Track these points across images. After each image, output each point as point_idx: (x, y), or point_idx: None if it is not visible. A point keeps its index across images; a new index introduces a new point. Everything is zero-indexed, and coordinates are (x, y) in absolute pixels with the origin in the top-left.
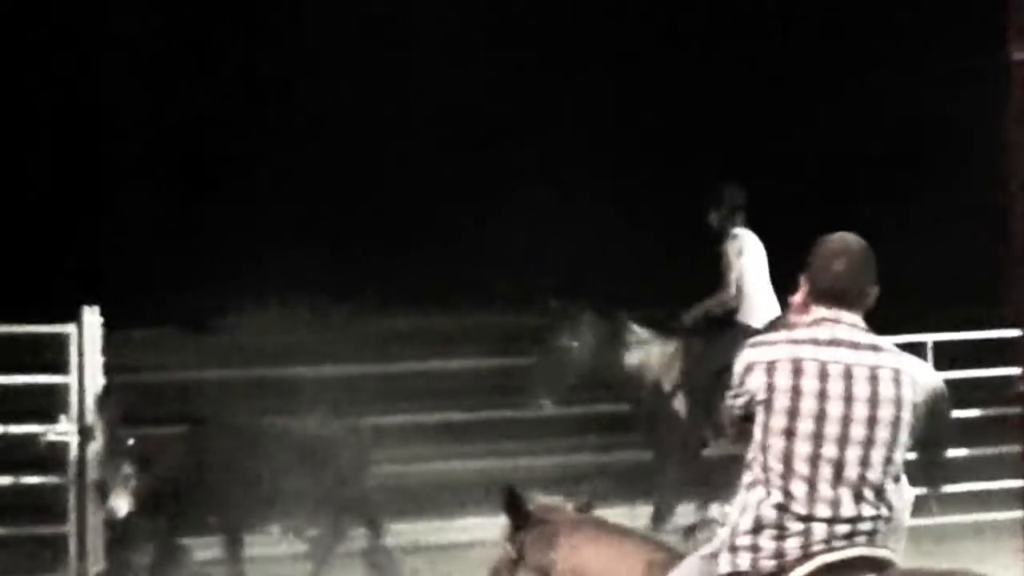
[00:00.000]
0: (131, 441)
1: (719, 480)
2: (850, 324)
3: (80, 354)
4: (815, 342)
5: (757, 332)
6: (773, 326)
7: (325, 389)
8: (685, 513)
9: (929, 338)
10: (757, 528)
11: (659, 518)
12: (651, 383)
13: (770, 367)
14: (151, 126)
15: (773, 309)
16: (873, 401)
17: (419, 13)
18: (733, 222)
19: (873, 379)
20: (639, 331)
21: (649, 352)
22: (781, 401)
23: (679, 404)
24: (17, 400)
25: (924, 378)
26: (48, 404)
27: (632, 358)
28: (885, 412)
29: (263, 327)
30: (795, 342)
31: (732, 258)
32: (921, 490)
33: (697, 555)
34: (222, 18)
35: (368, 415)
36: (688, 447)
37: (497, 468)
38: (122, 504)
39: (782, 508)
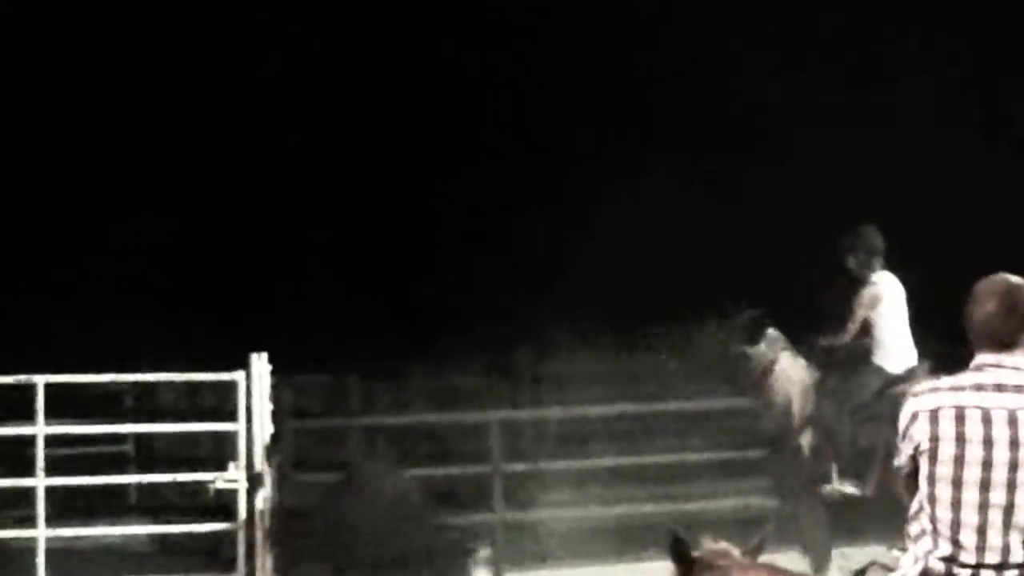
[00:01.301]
0: None
1: (857, 520)
2: (1012, 367)
3: (248, 401)
4: (978, 388)
5: (891, 375)
6: (911, 373)
7: (504, 433)
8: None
9: None
10: (924, 573)
11: (818, 566)
12: (782, 413)
13: (933, 416)
14: (331, 174)
15: (910, 355)
16: None
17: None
18: (871, 267)
19: None
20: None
21: (794, 381)
22: (946, 450)
23: (805, 439)
24: (187, 447)
25: None
26: (218, 451)
27: (785, 385)
28: None
29: (437, 372)
30: (957, 389)
31: (859, 307)
32: None
33: None
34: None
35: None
36: (811, 484)
37: (665, 512)
38: None
39: (951, 559)
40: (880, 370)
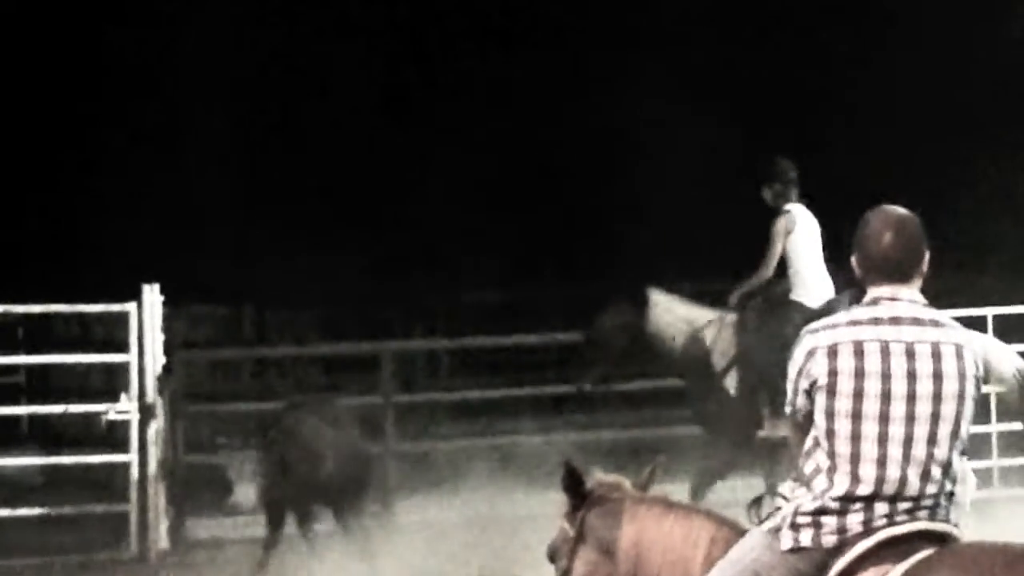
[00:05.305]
0: None
1: (781, 457)
2: (909, 300)
3: (140, 332)
4: (875, 321)
5: (811, 310)
6: (829, 306)
7: (377, 365)
8: (732, 488)
9: (989, 311)
10: (820, 509)
11: (696, 495)
12: (699, 360)
13: (832, 351)
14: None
15: (827, 288)
16: (937, 377)
17: None
18: (787, 197)
19: (936, 355)
20: (674, 305)
21: (691, 327)
22: (845, 383)
23: (730, 382)
24: (79, 378)
25: (981, 348)
26: (110, 383)
27: (672, 333)
28: (950, 387)
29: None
30: (855, 323)
31: (776, 236)
32: (981, 463)
33: (759, 530)
34: None
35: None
36: (739, 426)
37: (556, 442)
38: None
39: (847, 496)
40: (800, 306)
